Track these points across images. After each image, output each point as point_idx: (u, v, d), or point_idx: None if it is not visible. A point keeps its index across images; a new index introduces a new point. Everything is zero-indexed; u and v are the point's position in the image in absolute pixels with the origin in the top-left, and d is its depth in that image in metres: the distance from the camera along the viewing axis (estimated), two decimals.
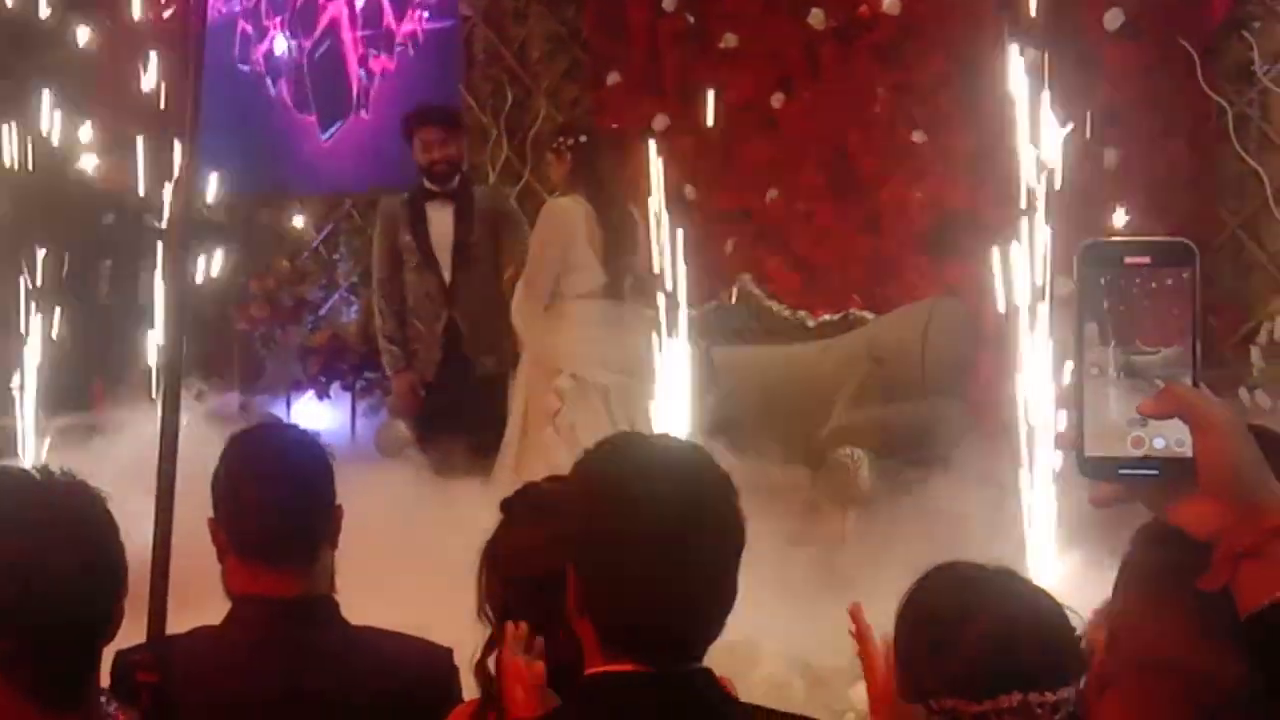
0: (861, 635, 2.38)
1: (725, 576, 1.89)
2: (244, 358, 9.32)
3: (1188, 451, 1.17)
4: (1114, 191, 6.59)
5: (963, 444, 5.64)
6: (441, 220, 6.88)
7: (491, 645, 2.24)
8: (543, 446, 5.96)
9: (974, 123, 6.82)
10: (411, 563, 4.70)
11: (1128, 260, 1.20)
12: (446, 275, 6.89)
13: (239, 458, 2.49)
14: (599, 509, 1.89)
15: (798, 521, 5.96)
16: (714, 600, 1.88)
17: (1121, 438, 1.19)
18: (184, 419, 2.48)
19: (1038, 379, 5.09)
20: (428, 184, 6.96)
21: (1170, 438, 1.18)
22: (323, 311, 9.56)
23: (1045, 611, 2.07)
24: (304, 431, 2.63)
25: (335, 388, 9.06)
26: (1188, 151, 6.76)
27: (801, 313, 7.30)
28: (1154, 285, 1.19)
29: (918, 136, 7.29)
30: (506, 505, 2.33)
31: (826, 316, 7.23)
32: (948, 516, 5.14)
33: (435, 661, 2.44)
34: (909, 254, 7.37)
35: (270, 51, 9.92)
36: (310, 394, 9.21)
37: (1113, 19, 6.72)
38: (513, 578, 2.22)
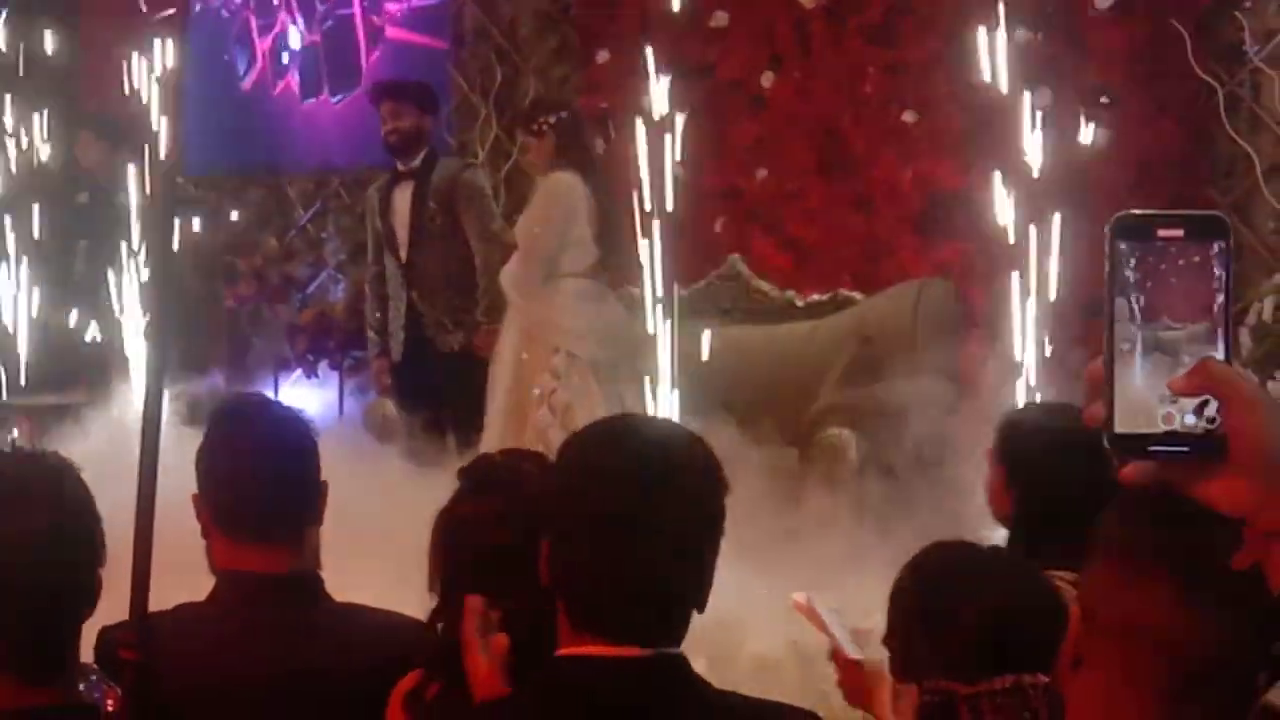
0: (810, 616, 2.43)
1: (693, 559, 1.86)
2: (231, 336, 9.30)
3: (1220, 429, 1.14)
4: (1104, 172, 6.58)
5: (952, 424, 5.64)
6: (403, 199, 6.86)
7: (437, 617, 2.23)
8: (537, 426, 5.94)
9: (965, 103, 6.81)
10: (388, 541, 4.68)
11: (1160, 233, 1.16)
12: (404, 254, 6.85)
13: (223, 433, 2.47)
14: (568, 483, 1.89)
15: (786, 501, 5.96)
16: (681, 582, 1.85)
17: (1151, 414, 1.15)
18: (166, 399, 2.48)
19: (1027, 358, 5.11)
20: (398, 164, 6.94)
21: (1202, 415, 1.15)
22: (310, 290, 9.53)
23: (1038, 594, 2.07)
24: (288, 407, 2.62)
25: (323, 366, 9.05)
26: (1178, 132, 6.75)
27: (790, 292, 7.30)
28: (1186, 259, 1.16)
29: (908, 116, 7.28)
30: (460, 475, 2.32)
31: (816, 296, 7.23)
32: (936, 496, 5.15)
33: (420, 637, 2.42)
34: (899, 234, 7.36)
35: (280, 33, 9.89)
36: (298, 372, 9.20)
37: None
38: (458, 550, 2.21)
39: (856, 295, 7.13)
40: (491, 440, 6.02)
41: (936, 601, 2.05)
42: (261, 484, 2.41)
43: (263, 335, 9.29)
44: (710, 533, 1.88)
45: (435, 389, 6.80)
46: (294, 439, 2.48)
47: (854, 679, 2.61)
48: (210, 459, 2.45)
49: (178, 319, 6.52)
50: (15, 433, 5.90)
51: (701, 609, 1.90)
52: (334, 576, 2.55)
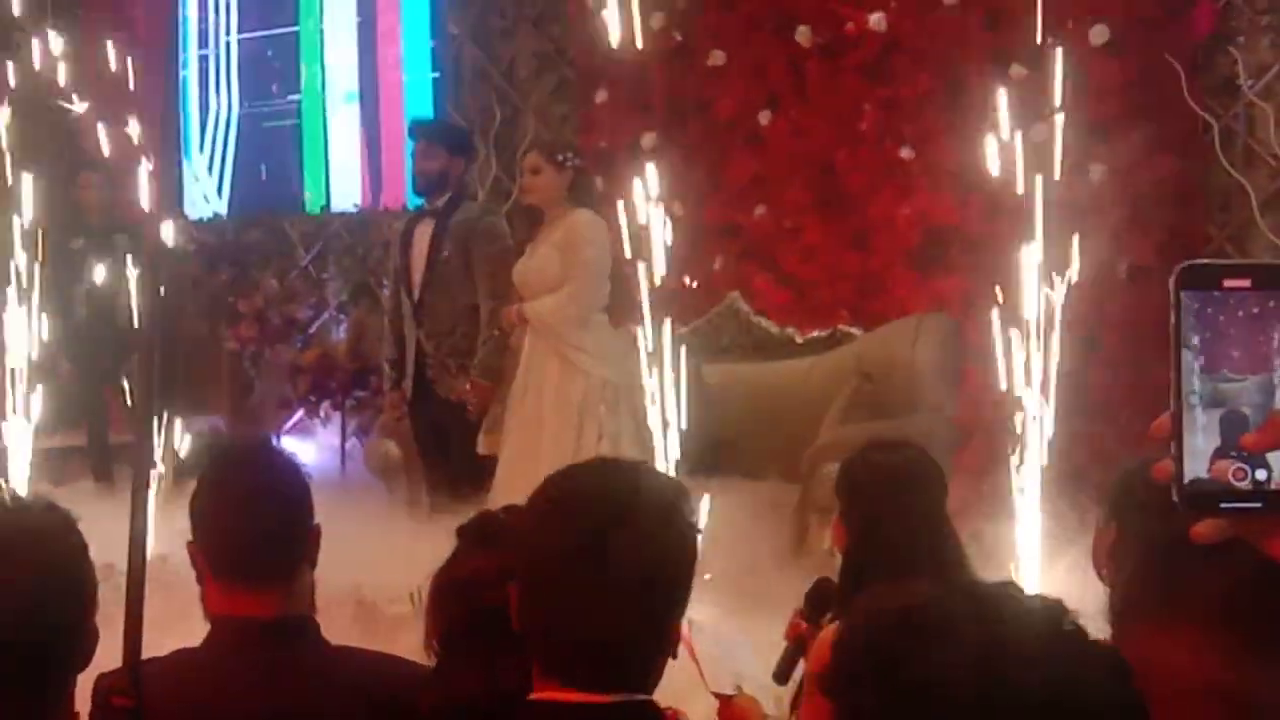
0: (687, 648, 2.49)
1: (653, 604, 1.86)
2: (233, 378, 9.32)
3: None
4: (1101, 206, 6.61)
5: (951, 459, 5.63)
6: (422, 238, 6.79)
7: (437, 679, 2.22)
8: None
9: (961, 139, 6.84)
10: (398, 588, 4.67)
11: (1227, 283, 1.13)
12: (416, 294, 6.81)
13: (214, 479, 2.48)
14: (532, 528, 1.91)
15: (786, 537, 5.96)
16: (641, 627, 1.85)
17: (1223, 470, 1.13)
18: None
19: (1027, 395, 5.11)
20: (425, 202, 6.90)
21: (1275, 469, 1.12)
22: (312, 330, 9.55)
23: None
24: (280, 452, 2.63)
25: (325, 407, 9.06)
26: (1174, 166, 6.77)
27: (790, 329, 7.31)
28: (1252, 309, 1.13)
29: (905, 153, 7.30)
30: (461, 533, 2.32)
31: (815, 333, 7.23)
32: None
33: (415, 680, 2.42)
34: (897, 270, 7.38)
35: None
36: (300, 413, 9.22)
37: (1098, 34, 6.73)
38: (458, 609, 2.20)
39: (855, 331, 7.13)
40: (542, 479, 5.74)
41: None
42: (252, 529, 2.41)
43: (265, 377, 9.31)
44: (672, 578, 1.87)
45: (441, 433, 6.74)
46: (284, 483, 2.48)
47: (726, 713, 2.68)
48: (202, 505, 2.45)
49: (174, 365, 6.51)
50: (3, 482, 5.87)
51: (671, 653, 1.90)
52: (335, 620, 2.56)
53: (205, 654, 2.42)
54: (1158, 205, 6.66)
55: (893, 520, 3.01)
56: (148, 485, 2.13)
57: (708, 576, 2.95)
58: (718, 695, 2.72)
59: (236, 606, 2.40)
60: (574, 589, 1.82)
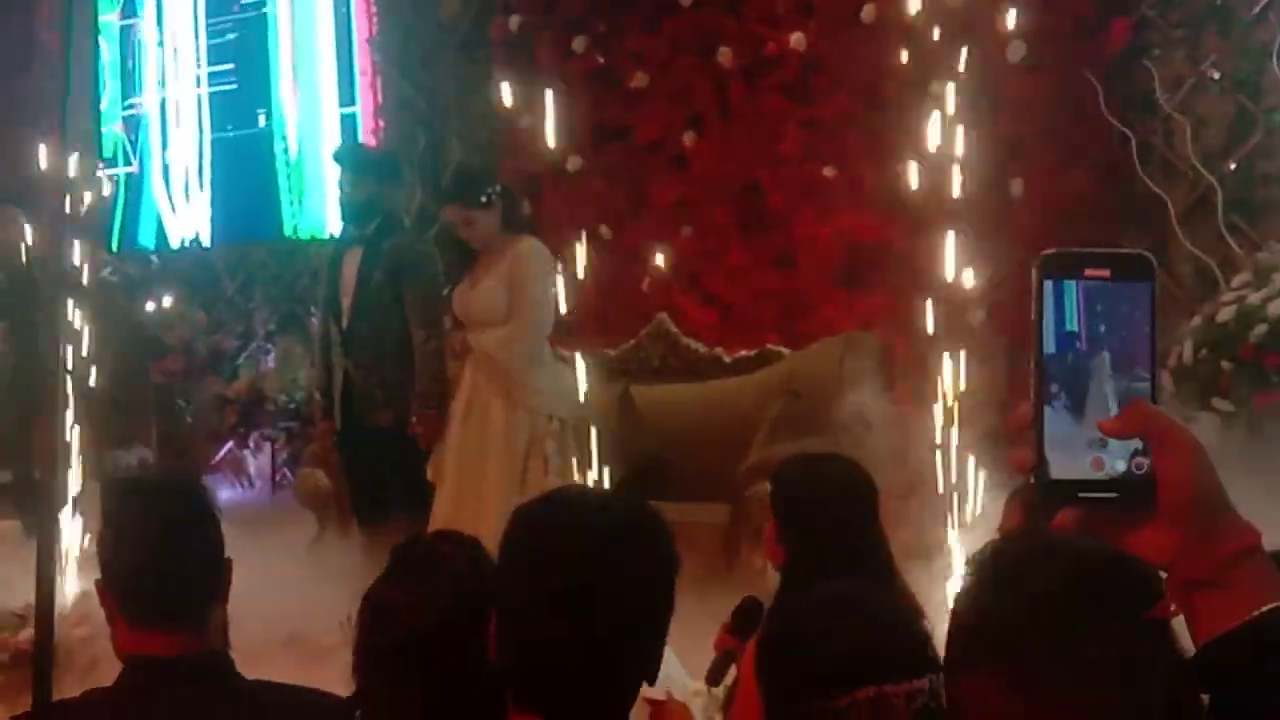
0: None
1: (642, 635, 1.85)
2: (160, 412, 9.22)
3: (1147, 473, 1.13)
4: (1020, 221, 6.67)
5: (879, 476, 5.65)
6: (351, 265, 6.67)
7: (355, 704, 2.20)
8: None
9: (882, 157, 6.89)
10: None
11: (1087, 272, 1.15)
12: (345, 323, 6.63)
13: (119, 517, 2.45)
14: (516, 558, 1.87)
15: (717, 558, 5.97)
16: (629, 659, 1.84)
17: (1082, 459, 1.14)
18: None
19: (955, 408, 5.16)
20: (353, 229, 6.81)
21: (1130, 460, 1.13)
22: (240, 361, 9.48)
23: (898, 614, 2.14)
24: (187, 486, 2.59)
25: (255, 437, 9.01)
26: (1092, 180, 6.85)
27: (718, 349, 7.32)
28: (1112, 298, 1.15)
29: (828, 171, 7.35)
30: (391, 553, 2.31)
31: (743, 352, 7.25)
32: None
33: (331, 713, 2.40)
34: (823, 288, 7.41)
35: None
36: (230, 445, 9.16)
37: (1015, 51, 6.80)
38: (378, 636, 2.18)
39: (783, 350, 7.16)
40: (488, 514, 5.69)
41: (798, 633, 2.09)
42: (158, 568, 2.38)
43: (193, 409, 9.23)
44: (659, 608, 1.87)
45: (372, 463, 6.63)
46: (192, 519, 2.45)
47: (658, 718, 2.69)
48: (107, 545, 2.42)
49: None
50: None
51: (652, 681, 1.89)
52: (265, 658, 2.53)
53: (116, 695, 2.38)
54: (1076, 219, 6.72)
55: (830, 532, 3.02)
56: (55, 525, 2.11)
57: None
58: (649, 701, 2.73)
59: (147, 645, 2.36)
60: (559, 632, 1.80)
